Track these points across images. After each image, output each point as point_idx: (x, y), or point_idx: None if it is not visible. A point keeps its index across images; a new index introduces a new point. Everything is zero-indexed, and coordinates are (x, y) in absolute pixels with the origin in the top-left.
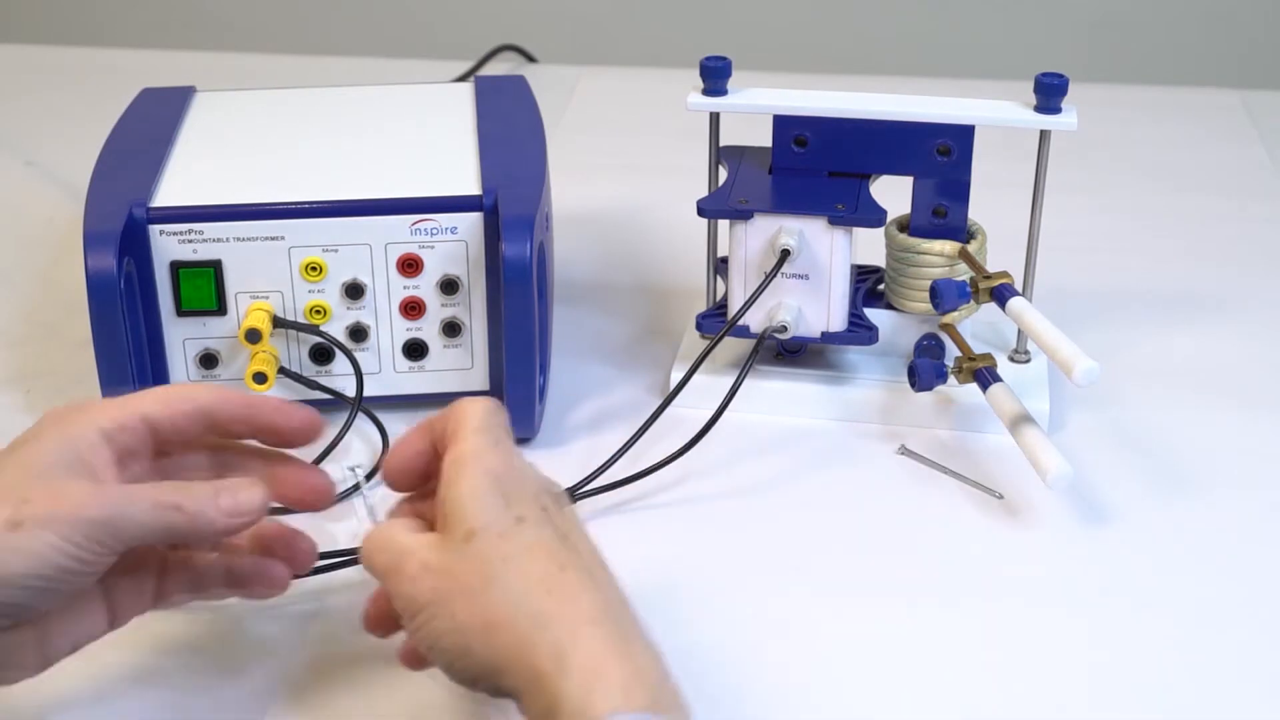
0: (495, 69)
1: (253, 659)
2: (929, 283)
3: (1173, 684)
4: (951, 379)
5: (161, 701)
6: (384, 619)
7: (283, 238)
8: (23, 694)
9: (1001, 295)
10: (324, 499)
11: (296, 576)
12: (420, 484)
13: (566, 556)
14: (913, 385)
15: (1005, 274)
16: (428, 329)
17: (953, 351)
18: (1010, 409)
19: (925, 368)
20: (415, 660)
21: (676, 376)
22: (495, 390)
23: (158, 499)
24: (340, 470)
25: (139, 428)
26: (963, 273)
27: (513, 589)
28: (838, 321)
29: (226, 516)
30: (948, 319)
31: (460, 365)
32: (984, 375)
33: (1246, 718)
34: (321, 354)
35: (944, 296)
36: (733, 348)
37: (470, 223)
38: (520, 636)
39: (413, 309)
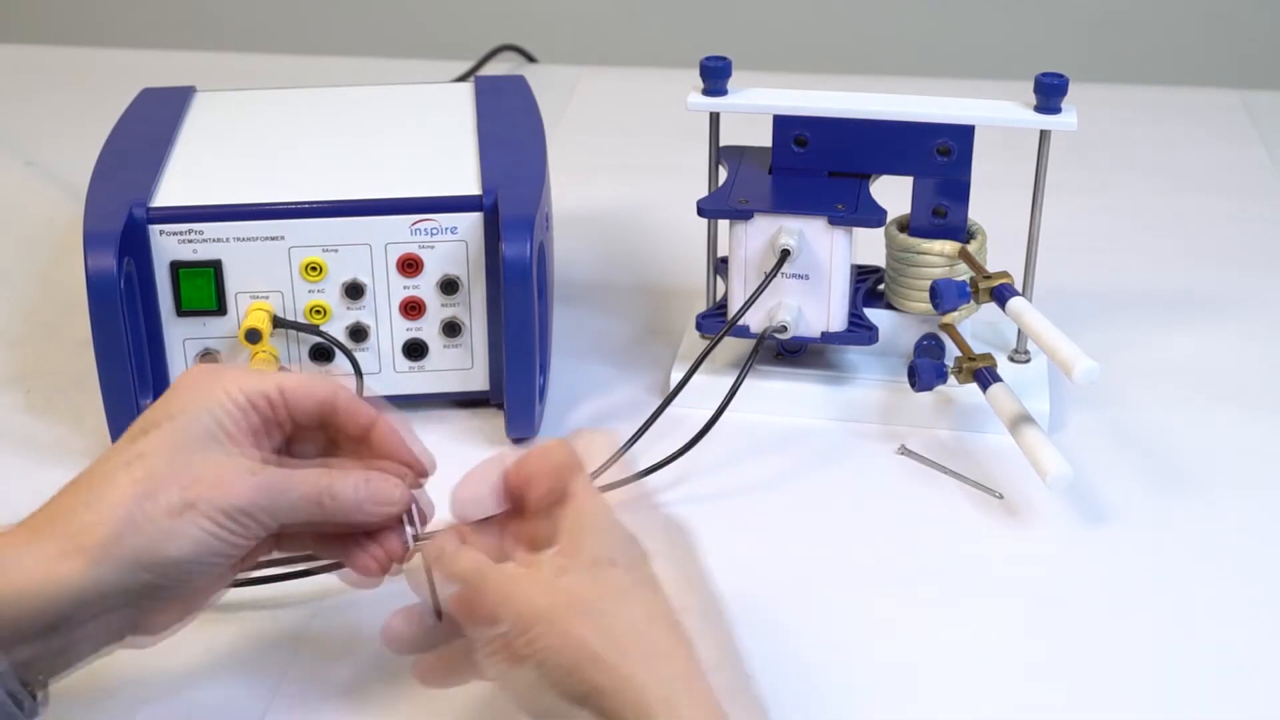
0: (495, 69)
1: (253, 659)
2: (929, 283)
3: (1172, 684)
4: (951, 379)
5: (161, 701)
6: (412, 638)
7: (283, 238)
8: None
9: (1001, 295)
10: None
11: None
12: (482, 515)
13: (688, 599)
14: (913, 385)
15: (1005, 274)
16: (428, 329)
17: (953, 351)
18: (1010, 409)
19: (925, 368)
20: (435, 678)
21: (676, 376)
22: (495, 390)
23: (305, 487)
24: None
25: (263, 405)
26: (963, 273)
27: (634, 619)
28: (838, 321)
29: (370, 506)
30: (948, 319)
31: (460, 365)
32: (984, 375)
33: (1246, 717)
34: (321, 354)
35: (944, 296)
36: (733, 348)
37: (470, 223)
38: (634, 667)
39: (413, 309)
